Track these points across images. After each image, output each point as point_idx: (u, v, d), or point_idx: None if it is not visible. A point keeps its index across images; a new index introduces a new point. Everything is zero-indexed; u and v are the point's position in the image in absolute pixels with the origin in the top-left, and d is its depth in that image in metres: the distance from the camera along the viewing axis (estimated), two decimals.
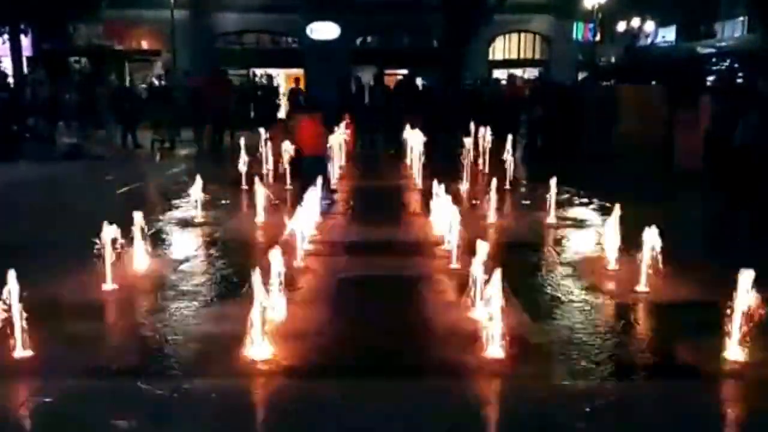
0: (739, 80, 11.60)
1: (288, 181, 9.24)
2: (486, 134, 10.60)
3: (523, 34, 25.85)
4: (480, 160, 10.55)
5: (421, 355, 3.88)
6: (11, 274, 3.64)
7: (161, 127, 14.54)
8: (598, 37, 25.46)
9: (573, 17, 24.90)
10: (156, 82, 17.03)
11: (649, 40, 26.18)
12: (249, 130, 12.96)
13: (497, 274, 3.68)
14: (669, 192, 8.71)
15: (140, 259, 5.50)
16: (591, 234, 6.89)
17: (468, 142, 9.81)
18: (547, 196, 7.25)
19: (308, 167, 7.96)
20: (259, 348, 3.73)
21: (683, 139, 9.93)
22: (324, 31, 23.94)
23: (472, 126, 10.91)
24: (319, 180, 6.99)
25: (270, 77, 21.42)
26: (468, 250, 5.01)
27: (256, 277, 3.66)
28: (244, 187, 9.00)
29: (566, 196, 8.41)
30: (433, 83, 19.17)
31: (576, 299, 4.83)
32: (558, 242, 6.59)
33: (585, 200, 8.53)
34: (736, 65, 12.55)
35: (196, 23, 23.32)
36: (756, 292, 3.58)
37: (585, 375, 3.60)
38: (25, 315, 3.69)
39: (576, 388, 3.46)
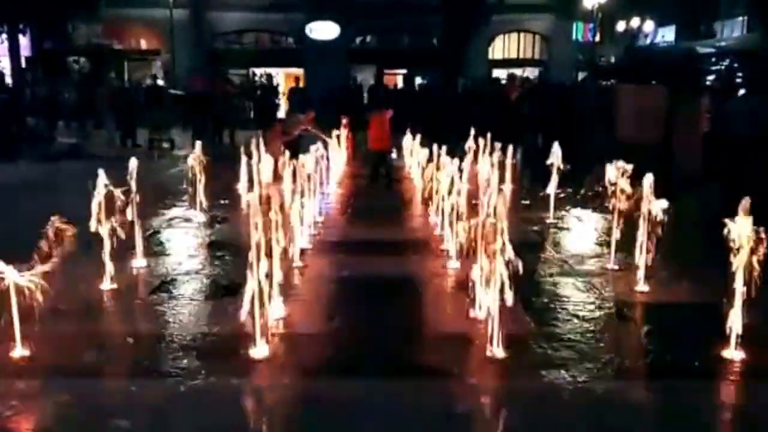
0: (739, 80, 11.59)
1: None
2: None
3: (522, 34, 25.87)
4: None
5: (422, 354, 3.88)
6: (9, 274, 3.63)
7: (160, 127, 14.55)
8: (597, 37, 25.47)
9: (573, 17, 24.91)
10: (151, 82, 17.01)
11: (648, 40, 26.18)
12: (249, 130, 12.97)
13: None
14: (668, 192, 8.69)
15: (139, 258, 5.49)
16: (590, 234, 6.89)
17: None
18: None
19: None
20: (258, 348, 3.72)
21: (683, 139, 9.92)
22: (323, 30, 23.94)
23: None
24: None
25: (269, 77, 21.44)
26: None
27: (255, 276, 3.66)
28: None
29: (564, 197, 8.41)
30: (431, 83, 19.17)
31: (574, 298, 4.83)
32: (556, 242, 6.59)
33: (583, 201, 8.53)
34: (735, 65, 12.54)
35: (196, 22, 23.33)
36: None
37: (584, 375, 3.60)
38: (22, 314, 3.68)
39: (575, 388, 3.45)
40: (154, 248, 6.07)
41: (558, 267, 5.68)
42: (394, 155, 11.99)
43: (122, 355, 3.89)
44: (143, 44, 24.15)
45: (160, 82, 22.61)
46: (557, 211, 7.44)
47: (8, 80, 17.18)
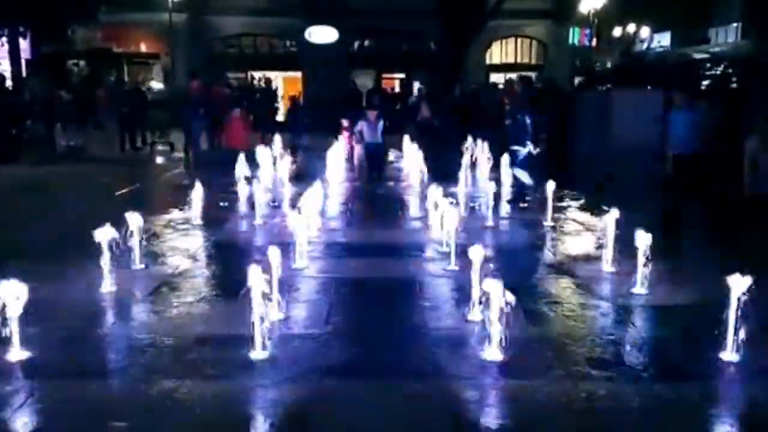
0: (733, 85, 11.70)
1: None
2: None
3: (519, 39, 26.02)
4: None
5: (420, 356, 3.94)
6: (9, 275, 3.65)
7: (160, 130, 14.60)
8: (594, 43, 25.65)
9: (569, 23, 25.07)
10: (154, 86, 17.08)
11: (644, 46, 26.38)
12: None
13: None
14: (663, 195, 8.79)
15: (138, 261, 5.53)
16: (587, 237, 6.97)
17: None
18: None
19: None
20: (258, 350, 3.75)
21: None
22: (322, 34, 24.04)
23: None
24: None
25: (268, 80, 21.51)
26: None
27: (255, 279, 3.70)
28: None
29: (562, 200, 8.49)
30: (429, 89, 19.22)
31: (571, 301, 4.90)
32: (554, 245, 6.66)
33: (579, 204, 8.62)
34: (729, 70, 12.64)
35: (195, 26, 23.39)
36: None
37: (581, 377, 3.66)
38: (23, 316, 3.71)
39: (572, 390, 3.49)
40: (153, 250, 6.10)
41: (555, 269, 5.75)
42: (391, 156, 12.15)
43: (121, 357, 3.93)
44: (143, 48, 24.21)
45: (160, 86, 22.68)
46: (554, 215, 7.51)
47: (8, 83, 17.20)
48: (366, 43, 25.73)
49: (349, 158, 12.12)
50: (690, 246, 6.58)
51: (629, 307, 4.74)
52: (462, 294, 4.71)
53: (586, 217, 7.89)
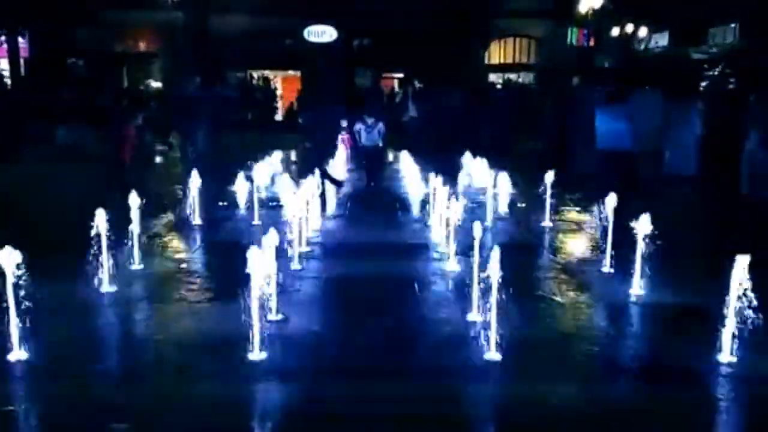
0: (731, 86, 11.73)
1: None
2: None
3: (518, 39, 26.04)
4: None
5: (419, 356, 3.95)
6: (8, 275, 3.66)
7: (161, 130, 14.53)
8: (592, 42, 25.66)
9: (568, 22, 25.08)
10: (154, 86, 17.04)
11: (642, 46, 26.38)
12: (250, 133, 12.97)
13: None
14: (660, 194, 8.80)
15: (138, 260, 5.54)
16: (585, 236, 6.98)
17: None
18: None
19: None
20: (256, 350, 3.75)
21: (676, 142, 10.00)
22: (322, 34, 24.05)
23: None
24: None
25: (267, 79, 21.51)
26: None
27: (254, 279, 3.70)
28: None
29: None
30: (430, 88, 19.24)
31: (571, 301, 4.90)
32: (553, 245, 6.66)
33: (577, 203, 8.62)
34: (727, 71, 12.68)
35: (195, 25, 23.36)
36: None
37: (580, 377, 3.67)
38: (22, 316, 3.72)
39: (571, 392, 3.50)
40: (153, 251, 6.09)
41: (554, 270, 5.76)
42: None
43: (121, 357, 3.94)
44: (143, 47, 24.17)
45: (158, 85, 22.66)
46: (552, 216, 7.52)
47: (7, 81, 17.20)
48: (365, 42, 25.73)
49: (348, 159, 12.13)
50: (687, 247, 6.59)
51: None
52: (461, 294, 4.72)
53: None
